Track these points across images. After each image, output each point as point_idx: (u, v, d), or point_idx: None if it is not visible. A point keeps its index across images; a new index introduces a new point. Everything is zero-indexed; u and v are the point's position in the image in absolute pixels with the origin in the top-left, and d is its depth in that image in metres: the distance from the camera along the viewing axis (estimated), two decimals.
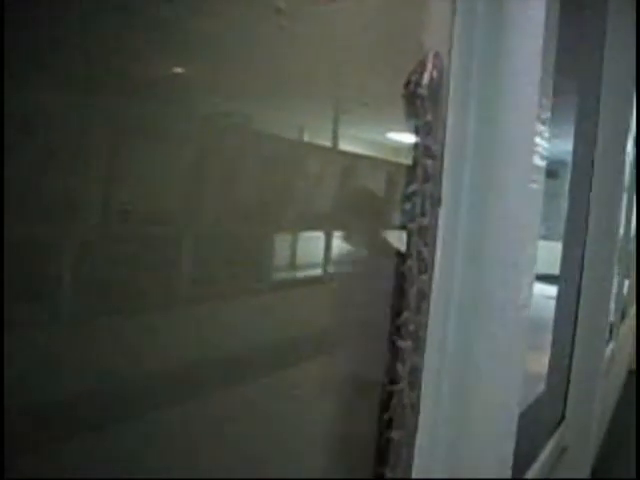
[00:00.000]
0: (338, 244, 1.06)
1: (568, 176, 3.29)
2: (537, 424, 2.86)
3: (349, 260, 1.06)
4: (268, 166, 0.85)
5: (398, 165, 1.12)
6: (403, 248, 1.09)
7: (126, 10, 0.59)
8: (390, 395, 1.08)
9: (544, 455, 2.73)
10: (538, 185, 1.48)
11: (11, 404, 0.48)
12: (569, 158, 3.24)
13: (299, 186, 0.93)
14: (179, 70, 0.70)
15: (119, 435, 0.62)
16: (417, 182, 1.09)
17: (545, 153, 1.67)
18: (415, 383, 1.12)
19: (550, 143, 1.78)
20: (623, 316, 6.15)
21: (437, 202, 1.15)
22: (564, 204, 3.27)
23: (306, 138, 0.94)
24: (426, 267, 1.12)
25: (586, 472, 3.41)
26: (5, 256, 0.48)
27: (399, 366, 1.08)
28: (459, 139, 1.22)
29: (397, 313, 1.09)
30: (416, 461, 1.16)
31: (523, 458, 2.37)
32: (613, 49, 3.14)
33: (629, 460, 4.08)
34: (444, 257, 1.20)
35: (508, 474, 1.38)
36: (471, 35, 1.23)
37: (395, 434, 1.08)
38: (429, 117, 1.09)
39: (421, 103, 1.07)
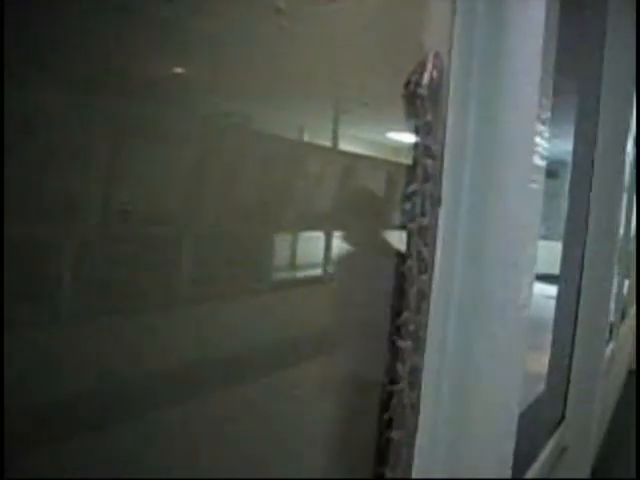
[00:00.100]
0: (338, 244, 1.06)
1: (568, 176, 3.29)
2: (537, 424, 2.86)
3: (348, 260, 1.05)
4: (268, 166, 0.85)
5: (398, 165, 1.12)
6: (403, 248, 1.09)
7: (126, 10, 0.59)
8: (390, 395, 1.08)
9: (544, 455, 2.73)
10: (538, 185, 1.48)
11: (11, 404, 0.48)
12: (569, 158, 3.24)
13: (299, 186, 0.93)
14: (179, 70, 0.70)
15: (119, 435, 0.62)
16: (417, 182, 1.09)
17: (545, 153, 1.67)
18: (415, 383, 1.12)
19: (550, 143, 1.78)
20: (623, 316, 6.15)
21: (437, 202, 1.15)
22: (564, 204, 3.27)
23: (306, 138, 0.94)
24: (426, 267, 1.12)
25: (586, 472, 3.41)
26: (5, 256, 0.48)
27: (399, 366, 1.08)
28: (459, 139, 1.22)
29: (397, 313, 1.09)
30: (416, 461, 1.16)
31: (523, 458, 2.37)
32: (613, 49, 3.14)
33: (629, 460, 4.08)
34: (444, 257, 1.20)
35: (508, 474, 1.38)
36: (471, 35, 1.23)
37: (395, 434, 1.08)
38: (429, 117, 1.09)
39: (421, 103, 1.07)
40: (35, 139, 0.52)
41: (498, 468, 1.34)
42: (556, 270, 3.28)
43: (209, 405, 0.74)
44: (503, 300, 1.27)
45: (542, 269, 2.13)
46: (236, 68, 0.75)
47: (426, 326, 1.16)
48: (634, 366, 7.06)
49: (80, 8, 0.54)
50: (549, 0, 1.30)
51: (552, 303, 3.25)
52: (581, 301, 3.25)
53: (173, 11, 0.64)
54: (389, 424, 1.08)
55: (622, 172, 3.36)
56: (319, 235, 1.02)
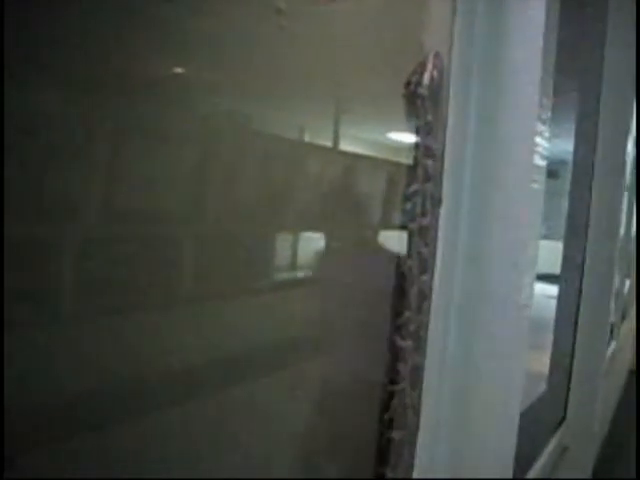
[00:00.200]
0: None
1: (569, 175, 3.29)
2: (538, 424, 2.86)
3: (331, 260, 1.04)
4: (269, 166, 0.85)
5: (399, 165, 1.12)
6: (394, 247, 1.09)
7: (126, 10, 0.59)
8: (391, 395, 1.08)
9: (545, 455, 2.73)
10: (539, 185, 1.48)
11: (11, 404, 0.48)
12: (570, 158, 3.24)
13: (299, 186, 0.93)
14: (179, 70, 0.70)
15: (119, 435, 0.62)
16: (418, 182, 1.09)
17: (546, 153, 1.67)
18: (416, 383, 1.12)
19: (551, 143, 1.79)
20: (624, 316, 6.15)
21: (438, 202, 1.15)
22: (565, 203, 3.27)
23: (307, 138, 0.94)
24: (427, 267, 1.12)
25: (587, 472, 3.41)
26: (5, 256, 0.48)
27: (400, 366, 1.08)
28: (459, 139, 1.22)
29: (398, 313, 1.09)
30: (417, 461, 1.16)
31: (524, 458, 2.37)
32: (613, 48, 3.14)
33: (630, 460, 4.08)
34: (445, 257, 1.20)
35: (509, 474, 1.38)
36: (471, 35, 1.23)
37: (396, 434, 1.08)
38: (429, 117, 1.09)
39: (422, 103, 1.07)
40: (35, 139, 0.52)
41: (499, 468, 1.34)
42: (557, 270, 3.27)
43: (209, 405, 0.74)
44: (504, 300, 1.27)
45: (543, 269, 2.14)
46: (236, 68, 0.75)
47: (427, 326, 1.16)
48: (635, 366, 7.06)
49: (80, 8, 0.54)
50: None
51: (553, 303, 3.25)
52: (582, 301, 3.26)
53: (173, 11, 0.64)
54: (390, 424, 1.08)
55: (623, 172, 3.36)
56: (320, 235, 1.02)
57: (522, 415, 1.51)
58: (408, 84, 1.08)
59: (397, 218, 1.12)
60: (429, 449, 1.22)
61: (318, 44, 0.90)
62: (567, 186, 3.28)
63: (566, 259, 3.27)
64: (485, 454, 1.29)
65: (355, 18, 0.97)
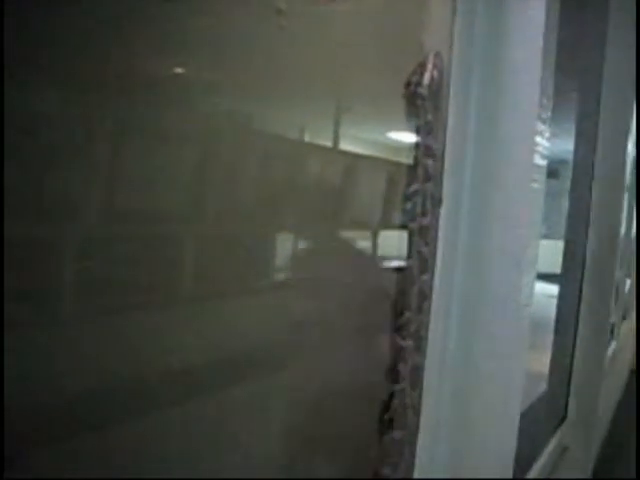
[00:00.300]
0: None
1: (569, 175, 3.29)
2: (538, 424, 2.86)
3: (302, 260, 1.01)
4: (269, 165, 0.85)
5: (399, 165, 1.12)
6: (366, 247, 1.08)
7: (126, 10, 0.59)
8: (392, 395, 1.08)
9: (546, 455, 2.73)
10: (539, 184, 1.48)
11: (11, 404, 0.48)
12: (570, 157, 3.24)
13: (299, 185, 0.93)
14: (180, 70, 0.70)
15: (119, 435, 0.62)
16: (418, 182, 1.09)
17: (546, 152, 1.67)
18: (416, 383, 1.12)
19: (551, 142, 1.79)
20: (624, 316, 6.14)
21: (438, 202, 1.15)
22: (565, 203, 3.27)
23: (307, 138, 0.94)
24: (427, 267, 1.12)
25: (587, 472, 3.41)
26: (5, 256, 0.48)
27: (401, 366, 1.08)
28: (460, 139, 1.22)
29: (398, 313, 1.09)
30: (417, 461, 1.16)
31: (524, 458, 2.37)
32: (614, 48, 3.14)
33: (630, 460, 4.08)
34: (445, 257, 1.20)
35: (509, 474, 1.38)
36: (471, 35, 1.22)
37: (397, 434, 1.08)
38: (430, 117, 1.09)
39: (422, 103, 1.07)
40: (35, 139, 0.52)
41: (499, 468, 1.34)
42: (557, 269, 3.28)
43: (211, 405, 0.74)
44: (504, 299, 1.27)
45: (543, 268, 2.14)
46: (236, 68, 0.75)
47: (427, 326, 1.16)
48: (635, 366, 7.05)
49: (80, 8, 0.54)
50: None
51: (553, 302, 3.25)
52: (582, 300, 3.25)
53: (173, 11, 0.64)
54: (391, 424, 1.08)
55: (623, 171, 3.36)
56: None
57: (522, 415, 1.51)
58: (408, 84, 1.08)
59: (397, 218, 1.12)
60: (429, 449, 1.21)
61: (318, 44, 0.90)
62: (567, 186, 3.28)
63: (566, 258, 3.27)
64: (485, 454, 1.29)
65: (355, 18, 0.97)
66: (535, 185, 1.40)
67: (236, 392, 0.80)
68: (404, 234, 1.09)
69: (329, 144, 0.99)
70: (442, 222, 1.18)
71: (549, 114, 1.72)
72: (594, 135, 3.19)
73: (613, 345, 4.62)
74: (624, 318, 6.10)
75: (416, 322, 1.10)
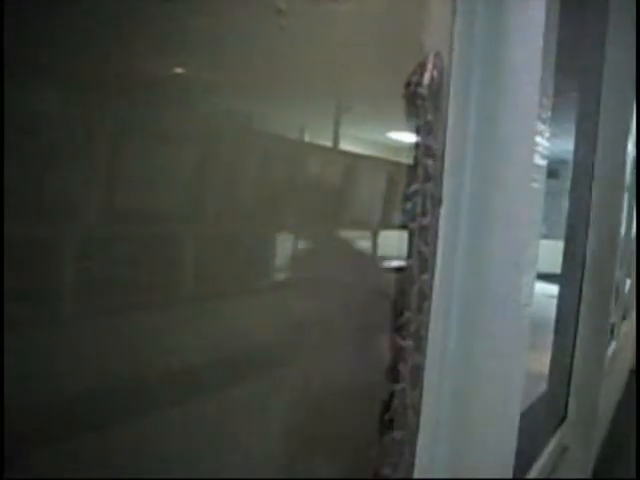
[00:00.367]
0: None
1: (569, 175, 3.29)
2: (539, 423, 2.86)
3: (302, 262, 0.97)
4: (269, 165, 0.85)
5: (399, 165, 1.12)
6: (365, 247, 1.08)
7: (126, 10, 0.59)
8: (392, 395, 1.08)
9: (546, 455, 2.73)
10: (539, 184, 1.48)
11: (11, 404, 0.48)
12: (570, 157, 3.24)
13: (299, 185, 0.93)
14: (180, 70, 0.70)
15: (119, 435, 0.62)
16: (418, 182, 1.09)
17: (546, 152, 1.67)
18: (417, 382, 1.12)
19: (551, 142, 1.78)
20: (624, 316, 6.14)
21: (438, 202, 1.15)
22: (565, 203, 3.27)
23: (307, 138, 0.94)
24: (427, 267, 1.12)
25: (587, 472, 3.41)
26: (5, 256, 0.48)
27: (401, 365, 1.08)
28: (460, 139, 1.22)
29: (398, 313, 1.09)
30: (417, 461, 1.16)
31: (525, 458, 2.37)
32: (614, 48, 3.14)
33: (630, 460, 4.07)
34: (445, 257, 1.20)
35: (509, 474, 1.38)
36: (471, 35, 1.22)
37: (397, 434, 1.08)
38: (430, 117, 1.09)
39: (422, 103, 1.07)
40: (35, 139, 0.52)
41: (500, 468, 1.34)
42: (557, 269, 3.28)
43: (211, 405, 0.74)
44: (504, 299, 1.27)
45: (543, 268, 2.14)
46: (236, 68, 0.75)
47: (427, 325, 1.16)
48: (635, 366, 7.04)
49: (80, 8, 0.54)
50: None
51: (553, 302, 3.25)
52: (582, 300, 3.25)
53: (173, 11, 0.64)
54: (391, 424, 1.08)
55: (623, 171, 3.36)
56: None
57: (522, 415, 1.51)
58: (408, 84, 1.08)
59: (397, 218, 1.12)
60: (429, 449, 1.21)
61: (318, 44, 0.90)
62: (567, 185, 3.28)
63: (566, 258, 3.27)
64: (485, 454, 1.29)
65: (355, 18, 0.97)
66: (535, 185, 1.40)
67: (235, 392, 0.80)
68: (404, 234, 1.10)
69: (329, 144, 0.99)
70: (442, 222, 1.18)
71: (549, 114, 1.72)
72: (594, 135, 3.19)
73: (613, 345, 4.62)
74: (624, 318, 6.10)
75: (416, 322, 1.10)
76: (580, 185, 3.21)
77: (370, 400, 1.09)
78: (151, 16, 0.62)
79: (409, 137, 1.10)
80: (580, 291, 3.25)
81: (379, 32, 1.04)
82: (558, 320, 3.22)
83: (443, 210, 1.18)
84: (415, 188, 1.09)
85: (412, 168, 1.09)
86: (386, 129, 1.17)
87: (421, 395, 1.15)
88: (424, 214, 1.09)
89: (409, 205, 1.09)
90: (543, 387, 3.11)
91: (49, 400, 0.55)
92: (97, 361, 0.59)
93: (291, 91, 0.86)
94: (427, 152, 1.09)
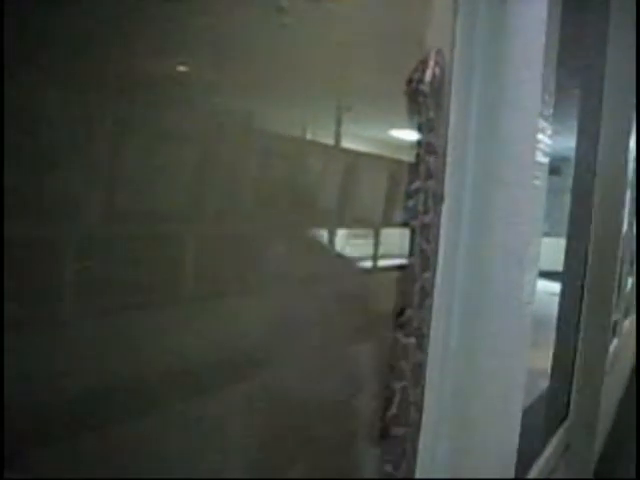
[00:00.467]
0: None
1: (571, 172, 3.28)
2: (541, 421, 2.86)
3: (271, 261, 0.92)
4: (271, 164, 0.85)
5: (401, 162, 1.12)
6: (339, 249, 1.06)
7: (128, 8, 0.59)
8: (394, 392, 1.08)
9: (547, 452, 2.73)
10: (541, 181, 1.48)
11: (11, 404, 0.48)
12: (572, 154, 3.24)
13: (301, 183, 0.92)
14: (182, 69, 0.70)
15: (119, 435, 0.62)
16: (420, 179, 1.08)
17: (548, 149, 1.67)
18: (419, 380, 1.12)
19: (553, 139, 1.78)
20: (627, 313, 6.13)
21: (440, 199, 1.15)
22: (567, 200, 3.26)
23: (309, 136, 0.94)
24: (429, 264, 1.12)
25: (589, 470, 3.41)
26: (5, 256, 0.48)
27: (403, 363, 1.08)
28: (461, 136, 1.22)
29: (400, 310, 1.09)
30: (419, 460, 1.16)
31: (526, 455, 2.37)
32: (616, 45, 3.13)
33: (631, 458, 4.07)
34: (447, 254, 1.20)
35: (511, 472, 1.38)
36: (473, 32, 1.22)
37: (399, 431, 1.08)
38: (431, 114, 1.08)
39: (423, 100, 1.07)
40: (35, 139, 0.52)
41: (501, 466, 1.34)
42: (559, 267, 3.27)
43: (212, 404, 0.74)
44: (506, 297, 1.27)
45: (545, 266, 2.13)
46: (239, 67, 0.75)
47: (429, 323, 1.16)
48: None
49: (80, 8, 0.54)
50: None
51: (555, 300, 3.25)
52: (584, 298, 3.25)
53: (174, 10, 0.64)
54: (393, 421, 1.08)
55: (625, 168, 3.35)
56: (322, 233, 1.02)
57: (524, 412, 1.51)
58: (410, 81, 1.08)
59: (399, 215, 1.12)
60: (431, 448, 1.21)
61: (320, 42, 0.90)
62: (569, 183, 3.28)
63: (568, 256, 3.26)
64: (487, 452, 1.29)
65: (357, 16, 0.97)
66: (537, 182, 1.39)
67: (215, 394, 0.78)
68: (406, 232, 1.09)
69: (331, 142, 0.99)
70: (444, 219, 1.18)
71: (551, 111, 1.72)
72: (596, 132, 3.18)
73: (615, 343, 4.61)
74: (626, 315, 6.09)
75: (418, 319, 1.10)
76: (582, 182, 3.21)
77: (332, 409, 1.05)
78: (151, 16, 0.62)
79: (411, 135, 1.10)
80: (582, 289, 3.25)
81: (381, 30, 1.04)
82: (560, 318, 3.21)
83: (445, 208, 1.17)
84: (417, 186, 1.09)
85: (414, 166, 1.09)
86: (388, 127, 1.17)
87: (423, 392, 1.15)
88: (426, 212, 1.09)
89: (411, 203, 1.09)
90: (545, 384, 3.11)
91: (49, 400, 0.55)
92: (97, 361, 0.59)
93: (294, 89, 0.86)
94: (429, 149, 1.09)
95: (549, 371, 3.15)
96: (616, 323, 4.64)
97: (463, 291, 1.27)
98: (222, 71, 0.73)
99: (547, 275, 2.66)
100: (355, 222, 1.10)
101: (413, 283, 1.09)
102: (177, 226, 0.69)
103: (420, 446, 1.16)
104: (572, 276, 3.27)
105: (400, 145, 1.17)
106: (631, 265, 6.01)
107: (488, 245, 1.26)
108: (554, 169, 1.87)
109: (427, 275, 1.12)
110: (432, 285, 1.15)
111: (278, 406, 0.87)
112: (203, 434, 0.73)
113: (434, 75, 1.08)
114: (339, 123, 0.99)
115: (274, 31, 0.78)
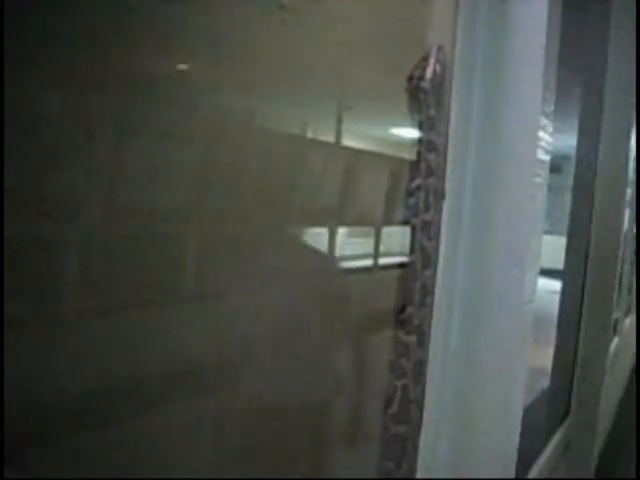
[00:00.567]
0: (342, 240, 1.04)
1: (572, 170, 3.28)
2: (541, 419, 2.85)
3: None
4: (272, 162, 0.85)
5: (401, 160, 1.12)
6: (322, 247, 1.04)
7: (129, 7, 0.59)
8: (395, 390, 1.08)
9: (548, 451, 2.73)
10: (542, 179, 1.48)
11: (11, 404, 0.48)
12: (573, 152, 3.23)
13: (302, 182, 0.92)
14: (183, 67, 0.69)
15: (120, 435, 0.62)
16: (420, 177, 1.08)
17: (549, 147, 1.67)
18: (419, 378, 1.12)
19: (554, 137, 1.78)
20: (627, 312, 6.13)
21: (440, 197, 1.15)
22: (568, 198, 3.26)
23: (310, 134, 0.94)
24: (430, 262, 1.12)
25: (590, 468, 3.41)
26: (5, 255, 0.48)
27: (403, 361, 1.08)
28: (462, 133, 1.22)
29: (401, 308, 1.09)
30: (420, 460, 1.16)
31: (527, 453, 2.37)
32: (617, 43, 3.13)
33: (631, 458, 4.07)
34: (448, 252, 1.20)
35: (512, 471, 1.38)
36: (474, 29, 1.22)
37: (400, 429, 1.08)
38: (432, 111, 1.08)
39: (424, 97, 1.07)
40: (35, 139, 0.52)
41: (502, 465, 1.34)
42: (560, 265, 3.27)
43: (211, 404, 0.74)
44: (507, 295, 1.27)
45: (546, 264, 2.13)
46: (239, 65, 0.75)
47: (430, 321, 1.16)
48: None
49: (80, 8, 0.54)
50: None
51: (556, 298, 3.25)
52: (585, 296, 3.25)
53: (177, 8, 0.64)
54: (394, 419, 1.08)
55: (626, 166, 3.34)
56: (324, 231, 1.01)
57: (525, 410, 1.51)
58: (411, 78, 1.07)
59: (400, 213, 1.12)
60: (431, 445, 1.21)
61: (321, 40, 0.90)
62: (570, 181, 3.27)
63: (569, 254, 3.26)
64: (487, 450, 1.29)
65: (358, 14, 0.97)
66: (538, 180, 1.39)
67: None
68: (407, 229, 1.09)
69: (332, 140, 0.99)
70: (445, 217, 1.18)
71: (552, 108, 1.71)
72: (597, 130, 3.18)
73: (616, 341, 4.61)
74: (627, 314, 6.09)
75: (419, 317, 1.10)
76: (583, 180, 3.20)
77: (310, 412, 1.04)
78: (151, 15, 0.62)
79: (412, 132, 1.09)
80: (583, 287, 3.25)
81: (382, 28, 1.04)
82: (561, 316, 3.21)
83: (446, 205, 1.17)
84: (418, 183, 1.09)
85: (415, 163, 1.09)
86: (389, 124, 1.17)
87: (423, 391, 1.15)
88: (427, 209, 1.09)
89: (412, 200, 1.09)
90: (546, 382, 3.11)
91: (49, 400, 0.55)
92: (97, 361, 0.59)
93: (295, 87, 0.86)
94: (429, 147, 1.09)
95: (549, 369, 3.15)
96: (617, 321, 4.63)
97: (464, 289, 1.27)
98: (222, 70, 0.73)
99: (548, 273, 2.66)
100: (356, 220, 1.10)
101: (414, 281, 1.09)
102: (177, 226, 0.69)
103: (421, 444, 1.16)
104: (573, 274, 3.27)
105: (401, 143, 1.17)
106: (632, 263, 6.00)
107: (489, 243, 1.26)
108: (555, 167, 1.87)
109: (428, 273, 1.11)
110: (433, 283, 1.15)
111: (274, 406, 0.88)
112: (203, 434, 0.73)
113: (435, 72, 1.08)
114: (340, 121, 0.99)
115: (274, 30, 0.78)
